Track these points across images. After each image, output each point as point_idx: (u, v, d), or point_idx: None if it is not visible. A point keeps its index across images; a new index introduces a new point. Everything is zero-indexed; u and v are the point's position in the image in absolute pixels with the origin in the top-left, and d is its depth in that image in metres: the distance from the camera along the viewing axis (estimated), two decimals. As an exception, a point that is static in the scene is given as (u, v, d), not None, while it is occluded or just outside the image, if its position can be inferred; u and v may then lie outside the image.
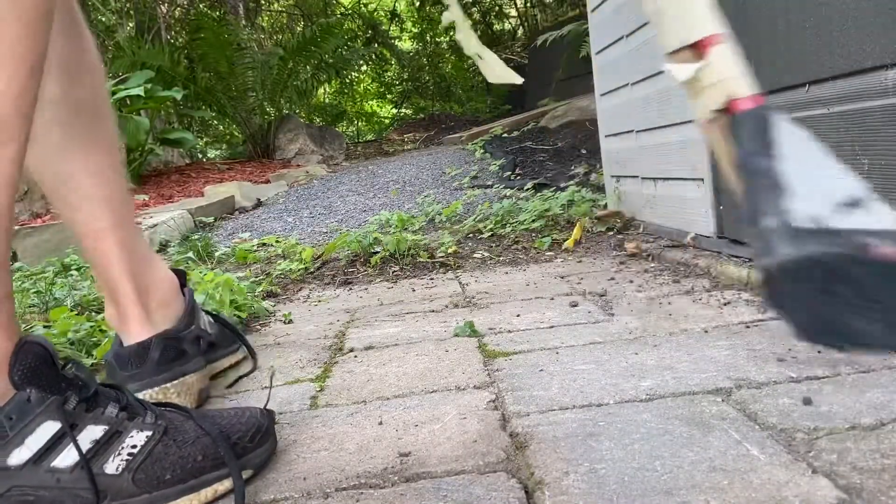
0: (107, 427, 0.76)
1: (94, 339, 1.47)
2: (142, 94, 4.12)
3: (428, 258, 2.32)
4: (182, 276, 1.23)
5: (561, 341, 1.27)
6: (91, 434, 0.74)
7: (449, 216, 2.84)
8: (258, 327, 1.68)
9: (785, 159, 0.76)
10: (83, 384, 0.77)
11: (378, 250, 2.38)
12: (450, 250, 2.37)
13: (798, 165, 0.76)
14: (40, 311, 1.73)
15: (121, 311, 1.10)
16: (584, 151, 4.06)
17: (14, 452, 0.70)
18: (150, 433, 0.78)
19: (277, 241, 2.92)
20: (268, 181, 5.53)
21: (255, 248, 2.73)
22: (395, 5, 10.82)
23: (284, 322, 1.70)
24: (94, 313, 1.72)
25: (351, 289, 2.07)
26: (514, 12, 10.26)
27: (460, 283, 2.00)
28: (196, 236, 3.20)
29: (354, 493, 0.77)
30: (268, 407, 0.91)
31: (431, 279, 2.12)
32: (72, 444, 0.72)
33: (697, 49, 0.81)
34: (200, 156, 6.83)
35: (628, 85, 2.41)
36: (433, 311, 1.66)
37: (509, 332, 1.39)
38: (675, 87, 2.03)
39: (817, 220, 0.72)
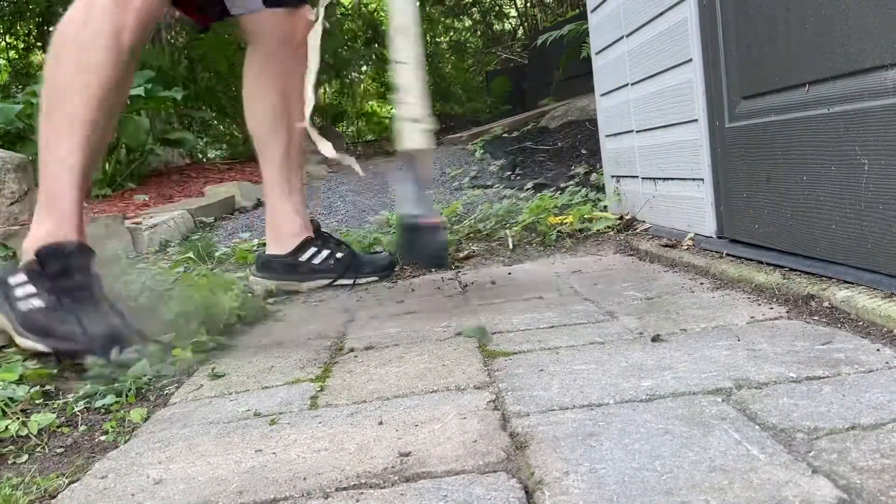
0: (328, 250, 2.01)
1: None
2: (142, 94, 4.11)
3: (428, 258, 2.32)
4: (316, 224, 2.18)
5: (561, 341, 1.27)
6: (325, 252, 2.03)
7: (449, 216, 2.83)
8: (259, 326, 1.69)
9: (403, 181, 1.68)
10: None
11: (378, 250, 2.38)
12: (449, 250, 2.36)
13: (406, 188, 1.67)
14: (40, 311, 1.73)
15: (272, 235, 2.09)
16: (584, 151, 4.05)
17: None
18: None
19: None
20: (268, 181, 5.50)
21: (255, 248, 2.72)
22: (395, 5, 10.81)
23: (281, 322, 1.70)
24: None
25: (351, 289, 2.07)
26: (514, 12, 10.26)
27: (460, 282, 2.00)
28: (196, 236, 3.20)
29: (354, 493, 0.77)
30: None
31: (431, 279, 2.12)
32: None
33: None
34: (200, 156, 6.81)
35: (628, 85, 2.41)
36: (433, 310, 1.66)
37: (509, 331, 1.39)
38: (675, 88, 2.03)
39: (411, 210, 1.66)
